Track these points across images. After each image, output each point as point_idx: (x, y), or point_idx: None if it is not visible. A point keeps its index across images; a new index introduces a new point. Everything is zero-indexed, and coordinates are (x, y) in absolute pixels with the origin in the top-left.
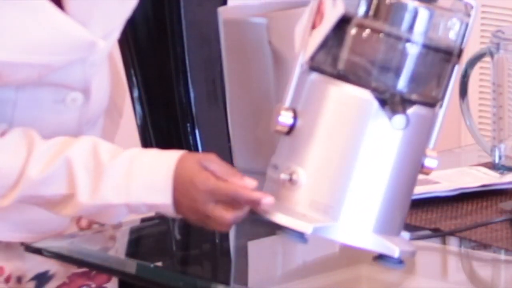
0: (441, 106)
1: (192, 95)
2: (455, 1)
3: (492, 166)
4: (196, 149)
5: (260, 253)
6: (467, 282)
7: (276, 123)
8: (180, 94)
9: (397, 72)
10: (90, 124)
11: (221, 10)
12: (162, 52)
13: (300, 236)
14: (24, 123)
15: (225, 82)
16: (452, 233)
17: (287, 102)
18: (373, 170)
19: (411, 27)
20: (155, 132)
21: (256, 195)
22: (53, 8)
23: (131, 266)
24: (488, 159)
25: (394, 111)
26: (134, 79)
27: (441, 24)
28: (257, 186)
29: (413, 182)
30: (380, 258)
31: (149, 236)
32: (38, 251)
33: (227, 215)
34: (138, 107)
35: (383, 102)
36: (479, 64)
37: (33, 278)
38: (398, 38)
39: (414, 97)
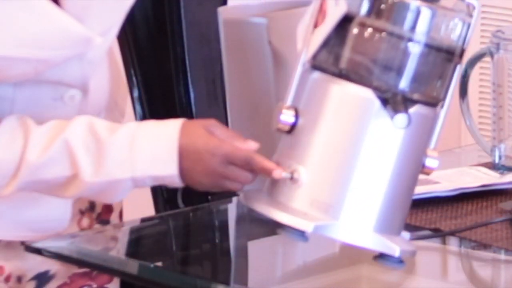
0: (442, 106)
1: (192, 95)
2: (457, 1)
3: (492, 166)
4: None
5: (260, 253)
6: (467, 282)
7: (277, 121)
8: (180, 94)
9: (399, 71)
10: None
11: (221, 10)
12: (162, 52)
13: (301, 234)
14: None
15: (225, 82)
16: (452, 233)
17: (289, 100)
18: (374, 169)
19: (413, 26)
20: None
21: (270, 164)
22: (49, 3)
23: (132, 266)
24: (488, 159)
25: (396, 110)
26: (134, 79)
27: (443, 24)
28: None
29: (414, 182)
30: (381, 257)
31: (149, 236)
32: (38, 251)
33: (244, 173)
34: (138, 107)
35: (385, 101)
36: (479, 64)
37: (33, 278)
38: (400, 37)
39: (415, 96)
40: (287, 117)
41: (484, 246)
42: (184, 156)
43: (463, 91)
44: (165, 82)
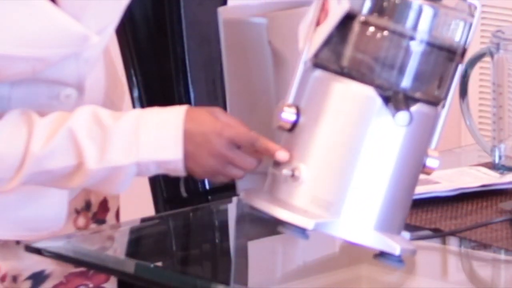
0: (443, 106)
1: (192, 95)
2: (459, 1)
3: (492, 166)
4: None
5: (260, 253)
6: (467, 282)
7: (278, 119)
8: (180, 94)
9: (401, 70)
10: None
11: (221, 10)
12: (162, 52)
13: (301, 232)
14: None
15: (225, 82)
16: (452, 234)
17: (290, 98)
18: (375, 167)
19: (415, 25)
20: None
21: (274, 146)
22: (46, 2)
23: (131, 266)
24: (488, 159)
25: (397, 108)
26: (134, 79)
27: (445, 23)
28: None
29: (414, 181)
30: (381, 256)
31: (149, 236)
32: (38, 251)
33: (248, 159)
34: (138, 107)
35: (386, 99)
36: (479, 64)
37: (29, 277)
38: (403, 36)
39: (417, 95)
40: (288, 115)
41: (484, 246)
42: (189, 140)
43: (463, 91)
44: (165, 82)
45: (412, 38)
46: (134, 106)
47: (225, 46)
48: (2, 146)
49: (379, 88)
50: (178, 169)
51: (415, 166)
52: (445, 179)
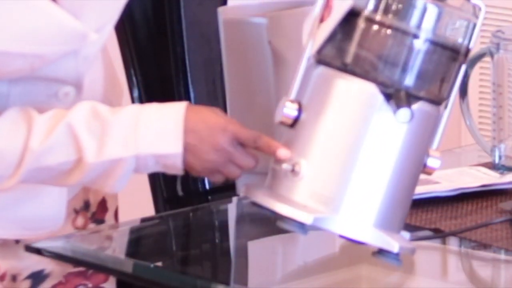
0: (446, 106)
1: (192, 95)
2: (464, 2)
3: (492, 166)
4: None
5: (260, 253)
6: (467, 282)
7: (281, 114)
8: (180, 94)
9: (404, 67)
10: None
11: (221, 10)
12: (162, 52)
13: (300, 226)
14: None
15: (225, 82)
16: (453, 234)
17: (293, 94)
18: (376, 164)
19: (419, 23)
20: None
21: (276, 144)
22: None
23: (130, 266)
24: (488, 159)
25: (399, 105)
26: (134, 79)
27: (449, 22)
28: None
29: (415, 180)
30: (379, 253)
31: (149, 236)
32: (37, 251)
33: (248, 158)
34: None
35: (388, 97)
36: (479, 64)
37: (28, 277)
38: (406, 34)
39: (419, 93)
40: (290, 110)
41: (484, 246)
42: (192, 133)
43: (463, 91)
44: (165, 82)
45: (415, 36)
46: None
47: (225, 46)
48: (1, 143)
49: (381, 85)
50: (176, 164)
51: (416, 165)
52: (445, 179)
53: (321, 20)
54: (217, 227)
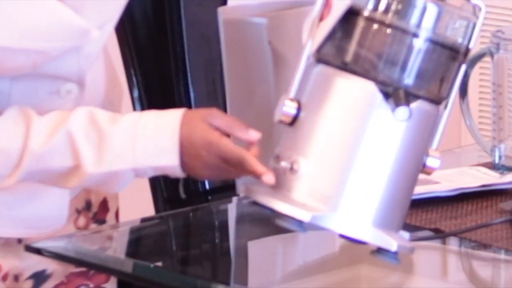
0: (445, 106)
1: (192, 95)
2: (464, 2)
3: (492, 166)
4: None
5: (260, 253)
6: (467, 282)
7: (280, 113)
8: (180, 94)
9: (403, 66)
10: None
11: (221, 10)
12: (162, 52)
13: (299, 224)
14: None
15: (225, 82)
16: (453, 234)
17: (292, 93)
18: (375, 163)
19: (419, 22)
20: None
21: (260, 169)
22: None
23: (131, 266)
24: (488, 159)
25: (397, 104)
26: (134, 79)
27: (449, 22)
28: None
29: (414, 180)
30: (378, 252)
31: (149, 236)
32: (38, 251)
33: (238, 172)
34: (138, 107)
35: (387, 95)
36: (479, 64)
37: (30, 277)
38: (406, 33)
39: (418, 92)
40: (289, 108)
41: (484, 246)
42: (184, 149)
43: (463, 91)
44: (165, 82)
45: (415, 35)
46: (134, 106)
47: (225, 46)
48: (1, 142)
49: (380, 83)
50: (176, 173)
51: (415, 164)
52: (445, 179)
53: (321, 19)
54: (217, 227)
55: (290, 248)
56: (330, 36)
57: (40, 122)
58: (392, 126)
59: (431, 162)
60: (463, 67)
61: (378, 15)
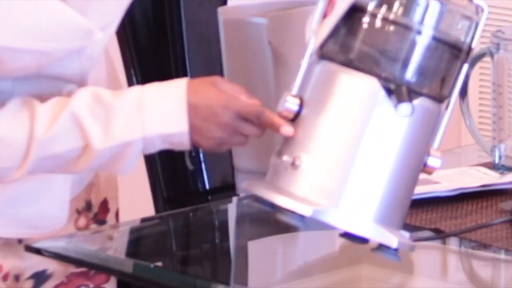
0: (447, 106)
1: None
2: (466, 2)
3: (492, 166)
4: (196, 148)
5: (260, 253)
6: (467, 282)
7: (282, 109)
8: None
9: (406, 63)
10: None
11: (221, 10)
12: (162, 52)
13: (300, 219)
14: None
15: None
16: (454, 235)
17: (295, 89)
18: (376, 159)
19: (422, 19)
20: None
21: (279, 120)
22: None
23: (130, 266)
24: (488, 159)
25: (400, 100)
26: (134, 79)
27: (452, 20)
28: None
29: (415, 178)
30: (378, 249)
31: (149, 236)
32: (37, 251)
33: (254, 128)
34: None
35: (390, 91)
36: (479, 64)
37: (31, 277)
38: (409, 29)
39: (421, 89)
40: (292, 105)
41: (484, 246)
42: (194, 112)
43: (463, 91)
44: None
45: (418, 32)
46: None
47: (225, 46)
48: (7, 134)
49: (383, 80)
50: (183, 142)
51: (416, 162)
52: (445, 179)
53: (324, 16)
54: (217, 227)
55: (290, 248)
56: (333, 33)
57: (43, 108)
58: (394, 122)
59: (432, 161)
60: (465, 67)
61: (381, 11)
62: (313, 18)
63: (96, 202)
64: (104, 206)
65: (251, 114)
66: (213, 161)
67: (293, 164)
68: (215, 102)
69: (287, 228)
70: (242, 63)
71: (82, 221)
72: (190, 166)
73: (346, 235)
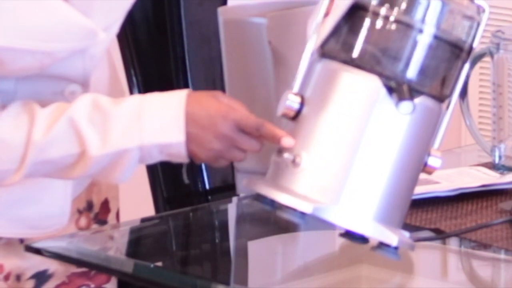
0: (448, 105)
1: None
2: (468, 3)
3: (492, 166)
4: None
5: (260, 253)
6: (467, 282)
7: (283, 107)
8: None
9: (407, 61)
10: None
11: (221, 10)
12: (162, 52)
13: (300, 216)
14: None
15: (225, 82)
16: (454, 235)
17: (296, 88)
18: (377, 157)
19: (423, 18)
20: None
21: (280, 132)
22: None
23: (131, 266)
24: (488, 159)
25: (401, 98)
26: (134, 79)
27: (453, 19)
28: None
29: (415, 177)
30: (379, 248)
31: (149, 236)
32: (37, 251)
33: (252, 141)
34: None
35: (391, 90)
36: (479, 64)
37: (32, 277)
38: (410, 28)
39: (422, 87)
40: (293, 103)
41: (484, 246)
42: (193, 122)
43: (463, 91)
44: (165, 82)
45: (419, 30)
46: None
47: (225, 46)
48: (6, 137)
49: (384, 78)
50: (180, 152)
51: (417, 160)
52: (445, 179)
53: (326, 14)
54: (217, 227)
55: (290, 248)
56: (334, 31)
57: (42, 113)
58: (395, 120)
59: (432, 161)
60: (466, 66)
61: (383, 10)
62: (315, 18)
63: (97, 202)
64: (105, 206)
65: (250, 125)
66: None
67: (293, 162)
68: (214, 112)
69: (287, 228)
70: (242, 63)
71: (83, 221)
72: (186, 180)
73: (346, 235)
